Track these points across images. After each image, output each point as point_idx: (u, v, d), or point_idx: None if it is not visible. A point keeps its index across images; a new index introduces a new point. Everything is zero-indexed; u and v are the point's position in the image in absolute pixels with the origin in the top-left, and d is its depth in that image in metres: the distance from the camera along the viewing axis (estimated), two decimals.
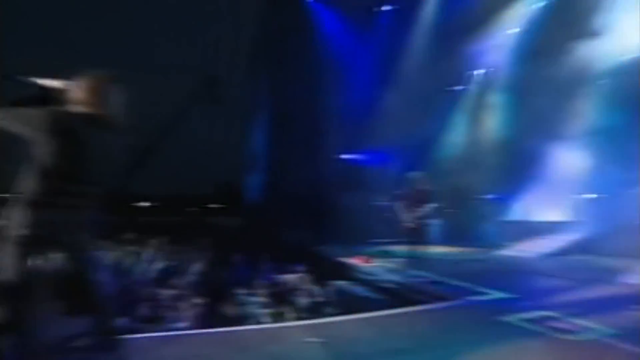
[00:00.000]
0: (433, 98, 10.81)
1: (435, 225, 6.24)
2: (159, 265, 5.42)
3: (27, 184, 1.83)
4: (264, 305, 4.27)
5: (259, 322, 3.83)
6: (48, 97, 1.96)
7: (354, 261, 7.10)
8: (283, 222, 10.55)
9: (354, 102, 10.94)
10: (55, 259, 1.91)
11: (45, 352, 2.02)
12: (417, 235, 5.99)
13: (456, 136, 11.29)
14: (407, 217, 6.04)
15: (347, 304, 4.54)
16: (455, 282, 5.03)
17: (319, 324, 3.27)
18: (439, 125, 11.15)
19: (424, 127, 10.67)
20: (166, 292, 4.43)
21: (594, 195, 8.24)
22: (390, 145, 11.09)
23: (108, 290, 2.70)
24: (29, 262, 1.81)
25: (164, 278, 4.96)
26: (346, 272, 6.47)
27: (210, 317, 3.93)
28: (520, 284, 5.25)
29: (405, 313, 3.73)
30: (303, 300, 4.52)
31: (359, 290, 5.31)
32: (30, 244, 1.80)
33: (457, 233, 9.77)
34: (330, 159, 11.18)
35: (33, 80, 2.00)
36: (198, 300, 4.17)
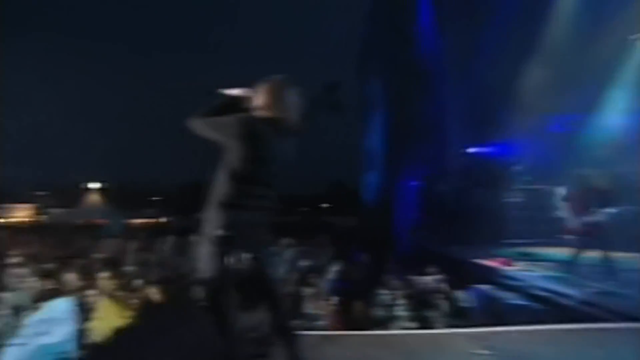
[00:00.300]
0: (586, 72, 9.12)
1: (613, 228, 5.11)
2: (298, 263, 5.72)
3: (220, 187, 2.01)
4: (409, 308, 4.12)
5: (407, 326, 3.70)
6: (235, 105, 2.15)
7: (494, 264, 6.47)
8: (409, 222, 10.27)
9: (481, 87, 9.98)
10: (241, 258, 2.07)
11: (238, 345, 2.21)
12: (585, 241, 5.08)
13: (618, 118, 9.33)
14: (574, 221, 5.18)
15: (500, 312, 4.12)
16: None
17: (481, 333, 2.98)
18: (592, 106, 9.42)
19: (571, 108, 9.21)
20: (309, 291, 4.60)
21: None
22: (526, 135, 9.88)
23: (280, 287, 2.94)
24: (224, 261, 2.00)
25: (304, 277, 5.18)
26: (487, 276, 5.92)
27: (355, 319, 3.95)
28: None
29: (586, 330, 3.17)
30: (448, 305, 4.24)
31: (508, 296, 4.76)
32: (225, 244, 1.97)
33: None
34: (455, 154, 10.45)
35: (222, 91, 2.21)
36: (341, 300, 4.24)
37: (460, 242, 8.91)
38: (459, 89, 10.24)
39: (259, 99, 2.12)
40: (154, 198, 37.47)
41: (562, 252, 7.30)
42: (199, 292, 2.04)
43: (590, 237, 5.02)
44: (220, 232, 1.95)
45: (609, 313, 3.76)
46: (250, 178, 2.01)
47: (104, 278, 4.36)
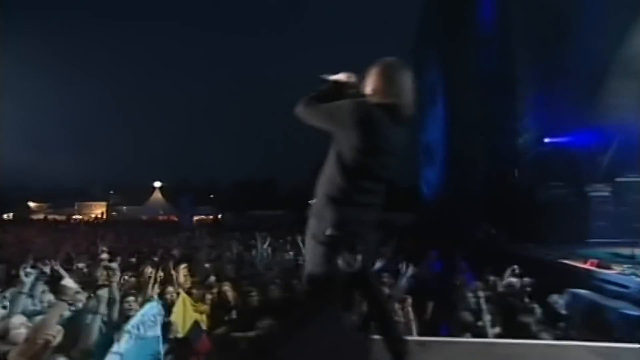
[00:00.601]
0: None
1: None
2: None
3: (331, 181, 1.82)
4: (497, 313, 3.73)
5: (505, 334, 3.32)
6: (343, 91, 1.95)
7: (586, 266, 5.79)
8: (479, 220, 9.65)
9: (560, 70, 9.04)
10: (351, 259, 1.88)
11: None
12: None
13: None
14: None
15: (615, 324, 3.59)
16: None
17: (606, 348, 2.56)
18: None
19: None
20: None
21: None
22: (611, 122, 8.84)
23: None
24: (336, 262, 1.82)
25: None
26: (581, 279, 5.29)
27: (441, 323, 3.64)
28: None
29: None
30: (544, 311, 3.78)
31: (617, 305, 4.16)
32: (338, 244, 1.79)
33: None
34: (532, 144, 9.60)
35: (325, 77, 2.02)
36: (421, 303, 3.94)
37: (538, 241, 8.16)
38: (534, 73, 9.38)
39: (372, 83, 1.89)
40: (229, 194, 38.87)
41: None
42: (308, 293, 1.89)
43: None
44: (333, 231, 1.77)
45: None
46: (365, 171, 1.81)
47: (183, 274, 4.44)
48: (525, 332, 3.21)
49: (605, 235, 8.45)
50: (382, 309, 1.99)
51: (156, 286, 4.04)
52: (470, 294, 4.04)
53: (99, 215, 31.19)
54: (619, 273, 5.26)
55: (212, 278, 4.44)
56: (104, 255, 5.11)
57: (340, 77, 1.98)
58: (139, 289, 3.90)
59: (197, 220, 22.82)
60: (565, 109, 9.13)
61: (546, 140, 9.46)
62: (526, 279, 4.58)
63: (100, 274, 4.09)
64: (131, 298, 3.39)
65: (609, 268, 5.54)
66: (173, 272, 4.54)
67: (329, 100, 1.89)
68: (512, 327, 3.41)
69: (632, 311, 3.82)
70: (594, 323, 3.73)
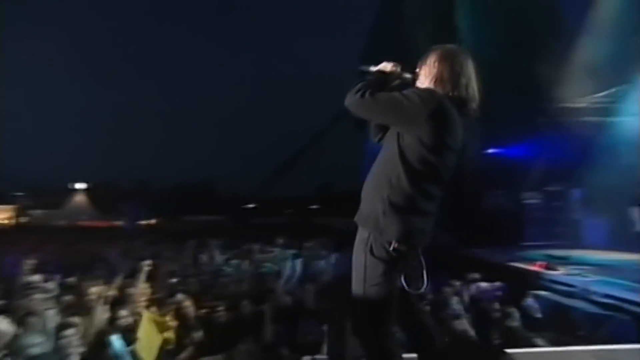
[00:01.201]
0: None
1: None
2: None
3: (395, 186, 1.57)
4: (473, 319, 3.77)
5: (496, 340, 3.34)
6: (387, 83, 1.72)
7: (535, 268, 6.23)
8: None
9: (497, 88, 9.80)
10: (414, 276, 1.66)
11: None
12: None
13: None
14: None
15: (582, 324, 3.83)
16: None
17: (602, 351, 2.65)
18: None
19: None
20: None
21: None
22: (542, 136, 9.76)
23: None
24: (397, 282, 1.60)
25: None
26: (534, 281, 5.66)
27: None
28: None
29: None
30: (520, 315, 3.90)
31: (577, 304, 4.48)
32: (401, 260, 1.57)
33: None
34: (473, 155, 10.22)
35: (366, 68, 1.77)
36: None
37: (483, 246, 8.66)
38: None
39: (436, 72, 1.67)
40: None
41: (599, 255, 7.25)
42: (363, 319, 1.62)
43: None
44: (399, 245, 1.54)
45: None
46: (431, 173, 1.58)
47: (142, 291, 3.87)
48: (516, 338, 3.26)
49: (537, 238, 9.32)
50: (429, 336, 1.78)
51: (106, 309, 3.47)
52: (452, 301, 4.05)
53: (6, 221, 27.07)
54: (566, 274, 5.73)
55: (178, 294, 3.92)
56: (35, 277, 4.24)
57: (386, 66, 1.74)
58: (82, 315, 3.30)
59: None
60: (504, 123, 9.88)
61: (488, 150, 10.17)
62: (496, 284, 4.73)
63: (30, 299, 3.32)
64: (70, 331, 2.81)
65: (555, 269, 6.03)
66: (129, 289, 3.96)
67: (389, 90, 1.65)
68: (503, 334, 3.44)
69: (594, 310, 4.16)
70: (561, 324, 3.96)
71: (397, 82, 1.75)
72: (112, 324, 3.33)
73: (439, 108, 1.55)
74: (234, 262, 6.07)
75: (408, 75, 1.76)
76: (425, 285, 1.63)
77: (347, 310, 1.93)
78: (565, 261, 6.71)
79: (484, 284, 4.80)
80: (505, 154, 10.78)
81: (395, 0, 13.39)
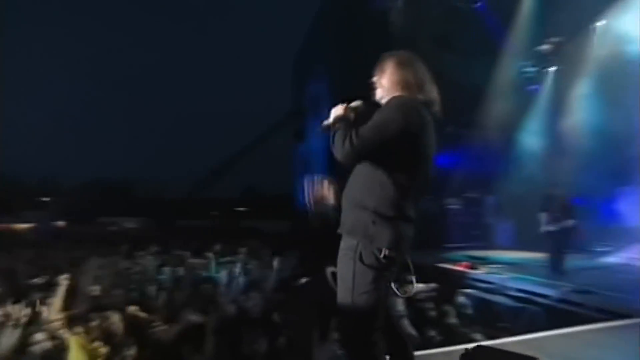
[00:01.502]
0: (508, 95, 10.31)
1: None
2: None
3: (382, 195, 1.57)
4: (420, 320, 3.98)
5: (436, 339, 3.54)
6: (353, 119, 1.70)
7: (460, 268, 6.78)
8: None
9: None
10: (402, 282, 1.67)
11: None
12: (557, 245, 5.68)
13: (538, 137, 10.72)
14: (549, 227, 5.74)
15: (503, 316, 4.24)
16: (610, 293, 4.63)
17: (530, 340, 2.97)
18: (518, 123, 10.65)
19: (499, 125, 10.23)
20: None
21: None
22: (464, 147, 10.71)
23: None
24: (386, 289, 1.60)
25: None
26: (459, 280, 6.15)
27: None
28: None
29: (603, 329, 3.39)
30: (456, 312, 4.21)
31: (500, 300, 4.96)
32: (391, 267, 1.58)
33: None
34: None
35: (327, 123, 1.75)
36: None
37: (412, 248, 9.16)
38: None
39: (401, 76, 1.70)
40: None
41: (513, 255, 8.14)
42: (353, 327, 1.58)
43: (561, 241, 5.59)
44: (389, 252, 1.54)
45: (597, 311, 4.11)
46: (413, 180, 1.61)
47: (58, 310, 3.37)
48: (454, 335, 3.49)
49: (458, 240, 10.22)
50: (403, 342, 1.80)
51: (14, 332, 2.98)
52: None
53: None
54: (487, 272, 6.34)
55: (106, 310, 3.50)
56: None
57: (338, 110, 1.72)
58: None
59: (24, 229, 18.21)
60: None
61: None
62: (431, 284, 5.04)
63: None
64: None
65: (477, 269, 6.63)
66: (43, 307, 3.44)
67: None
68: (446, 332, 3.66)
69: (511, 303, 4.67)
70: (486, 318, 4.35)
71: (357, 111, 1.75)
72: (24, 351, 2.86)
73: (416, 114, 1.59)
74: (166, 269, 5.61)
75: (358, 103, 1.77)
76: (414, 290, 1.66)
77: (313, 320, 1.89)
78: (484, 261, 7.40)
79: (420, 285, 5.08)
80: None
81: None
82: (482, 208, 11.09)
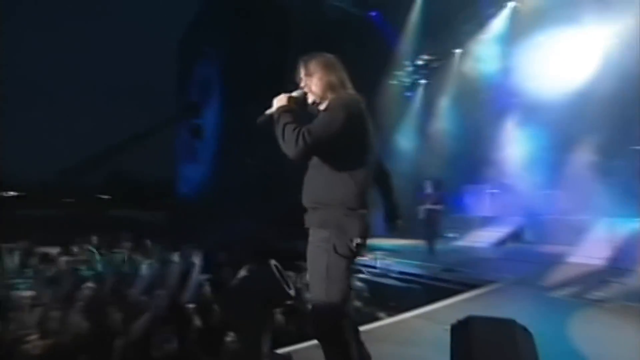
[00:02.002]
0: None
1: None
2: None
3: (346, 190, 1.70)
4: None
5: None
6: (296, 109, 1.79)
7: None
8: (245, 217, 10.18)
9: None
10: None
11: None
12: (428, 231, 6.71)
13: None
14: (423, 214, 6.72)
15: (391, 296, 4.87)
16: (466, 270, 5.72)
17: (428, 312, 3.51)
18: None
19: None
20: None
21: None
22: None
23: None
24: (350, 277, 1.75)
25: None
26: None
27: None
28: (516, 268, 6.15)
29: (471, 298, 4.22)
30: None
31: (390, 282, 5.63)
32: (358, 254, 1.73)
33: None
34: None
35: (266, 115, 1.83)
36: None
37: (298, 236, 9.52)
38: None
39: (335, 76, 1.84)
40: None
41: (390, 242, 9.18)
42: (333, 314, 1.64)
43: (431, 228, 6.67)
44: (360, 240, 1.68)
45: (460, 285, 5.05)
46: (368, 172, 1.77)
47: None
48: (361, 316, 3.88)
49: None
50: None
51: None
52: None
53: None
54: (373, 258, 7.10)
55: None
56: None
57: (281, 100, 1.78)
58: None
59: None
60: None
61: None
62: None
63: None
64: None
65: (362, 256, 7.35)
66: None
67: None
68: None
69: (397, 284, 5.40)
70: (381, 298, 4.94)
71: (299, 101, 1.84)
72: None
73: (358, 111, 1.74)
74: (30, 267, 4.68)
75: (300, 93, 1.86)
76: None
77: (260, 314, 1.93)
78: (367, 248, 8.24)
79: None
80: None
81: None
82: None
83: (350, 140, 1.70)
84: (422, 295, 4.87)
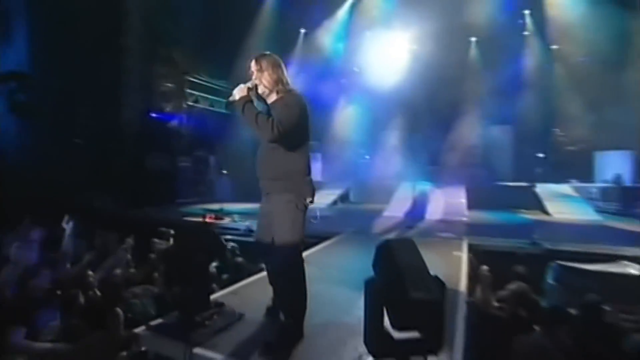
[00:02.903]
0: None
1: None
2: None
3: (300, 162, 2.27)
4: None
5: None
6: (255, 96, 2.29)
7: (209, 220, 7.59)
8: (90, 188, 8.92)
9: None
10: None
11: None
12: None
13: None
14: None
15: None
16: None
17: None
18: None
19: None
20: None
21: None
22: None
23: None
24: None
25: None
26: (215, 231, 6.97)
27: None
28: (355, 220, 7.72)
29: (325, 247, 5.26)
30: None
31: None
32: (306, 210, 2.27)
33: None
34: (134, 117, 10.07)
35: (233, 99, 2.26)
36: None
37: (146, 205, 9.02)
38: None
39: (283, 75, 2.30)
40: None
41: (240, 207, 9.63)
42: (293, 254, 2.10)
43: None
44: (309, 200, 2.24)
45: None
46: (309, 150, 2.35)
47: None
48: (247, 268, 4.38)
49: (190, 196, 10.93)
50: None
51: None
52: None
53: None
54: (231, 221, 7.51)
55: None
56: None
57: (242, 90, 2.23)
58: None
59: None
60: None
61: (152, 114, 10.48)
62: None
63: None
64: None
65: (222, 219, 7.68)
66: None
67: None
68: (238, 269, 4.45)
69: None
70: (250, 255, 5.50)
71: (253, 91, 2.29)
72: None
73: (304, 103, 2.29)
74: None
75: (252, 84, 2.30)
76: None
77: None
78: (221, 212, 8.52)
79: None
80: (164, 119, 11.50)
81: None
82: (208, 166, 12.18)
83: (302, 126, 2.23)
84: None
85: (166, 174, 10.53)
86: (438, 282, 1.67)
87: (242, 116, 2.19)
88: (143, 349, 2.28)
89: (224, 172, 12.36)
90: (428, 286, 1.59)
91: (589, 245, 5.11)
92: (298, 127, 2.20)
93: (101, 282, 3.81)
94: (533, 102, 10.68)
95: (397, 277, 1.62)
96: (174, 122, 11.28)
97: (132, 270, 4.54)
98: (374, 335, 1.68)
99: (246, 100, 2.20)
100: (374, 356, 1.71)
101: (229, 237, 6.34)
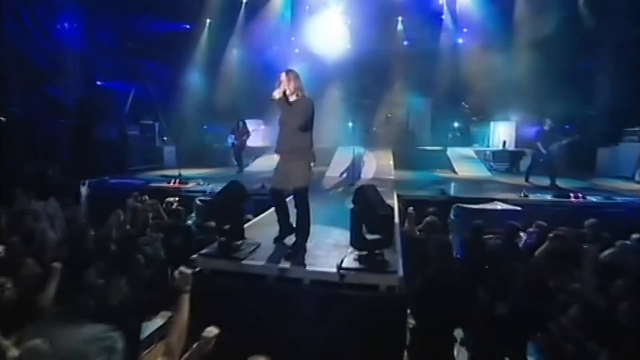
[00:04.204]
0: None
1: None
2: None
3: (307, 137, 3.50)
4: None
5: None
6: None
7: (176, 185, 8.28)
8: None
9: None
10: None
11: None
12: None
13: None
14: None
15: None
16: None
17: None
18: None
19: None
20: None
21: None
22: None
23: None
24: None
25: None
26: (184, 195, 7.75)
27: None
28: None
29: None
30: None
31: None
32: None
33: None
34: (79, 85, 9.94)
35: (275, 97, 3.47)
36: None
37: (95, 173, 9.26)
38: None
39: (298, 85, 3.50)
40: None
41: (194, 172, 10.29)
42: (304, 196, 3.35)
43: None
44: (314, 163, 3.50)
45: None
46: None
47: None
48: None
49: (140, 163, 11.19)
50: None
51: None
52: None
53: None
54: (196, 184, 8.34)
55: None
56: None
57: (280, 92, 3.47)
58: None
59: None
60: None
61: (98, 83, 10.39)
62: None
63: None
64: None
65: (187, 184, 8.43)
66: None
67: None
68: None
69: None
70: None
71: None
72: None
73: (312, 103, 3.54)
74: None
75: (283, 89, 3.51)
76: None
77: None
78: (181, 177, 9.17)
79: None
80: (114, 88, 11.34)
81: None
82: (155, 133, 12.38)
83: (310, 118, 3.47)
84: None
85: (116, 143, 10.67)
86: (390, 208, 3.09)
87: (277, 107, 3.47)
88: (198, 269, 3.35)
89: (165, 139, 12.65)
90: (386, 208, 3.00)
91: (479, 193, 7.20)
92: (308, 119, 3.45)
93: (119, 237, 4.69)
94: (447, 79, 12.74)
95: (369, 204, 3.01)
96: (122, 90, 11.25)
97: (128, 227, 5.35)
98: (357, 238, 3.08)
99: (282, 99, 3.44)
100: (356, 249, 3.12)
101: (199, 198, 7.23)
